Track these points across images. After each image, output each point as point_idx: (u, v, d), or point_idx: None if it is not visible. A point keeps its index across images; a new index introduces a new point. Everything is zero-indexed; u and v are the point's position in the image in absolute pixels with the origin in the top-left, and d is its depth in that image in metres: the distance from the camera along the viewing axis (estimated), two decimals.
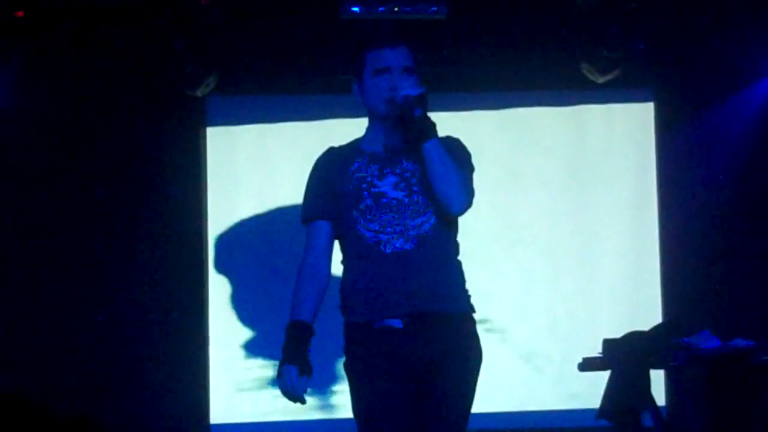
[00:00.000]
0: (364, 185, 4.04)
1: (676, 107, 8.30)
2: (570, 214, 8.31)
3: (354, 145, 4.17)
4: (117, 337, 8.08)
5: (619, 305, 8.15)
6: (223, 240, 8.30)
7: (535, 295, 8.22)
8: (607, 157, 8.36)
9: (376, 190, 4.04)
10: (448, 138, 4.15)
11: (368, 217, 4.02)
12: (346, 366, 4.11)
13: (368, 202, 4.03)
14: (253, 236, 8.29)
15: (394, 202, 4.02)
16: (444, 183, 3.96)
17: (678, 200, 8.23)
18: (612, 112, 8.40)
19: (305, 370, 4.03)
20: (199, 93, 8.03)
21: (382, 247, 4.00)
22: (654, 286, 8.25)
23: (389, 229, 4.00)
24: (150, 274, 8.15)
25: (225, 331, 8.24)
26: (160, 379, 8.07)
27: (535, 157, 8.31)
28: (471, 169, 4.13)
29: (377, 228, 4.01)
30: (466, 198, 4.02)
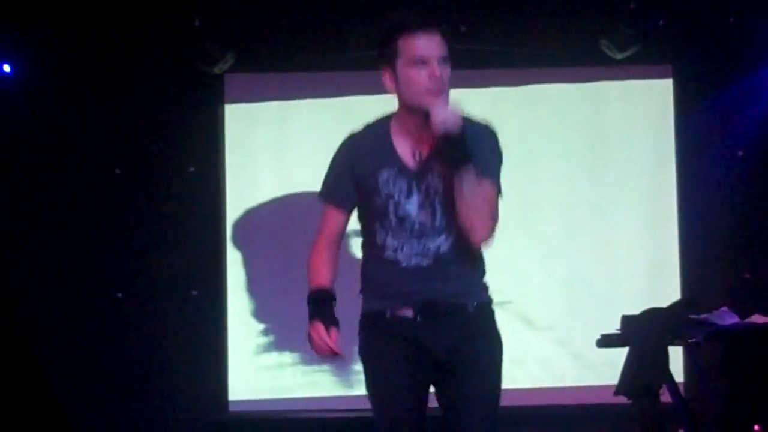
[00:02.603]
0: (391, 203, 4.03)
1: (695, 83, 8.27)
2: (588, 190, 8.30)
3: (384, 140, 4.09)
4: (135, 314, 8.11)
5: (638, 282, 8.16)
6: (241, 217, 8.31)
7: (553, 272, 8.22)
8: (626, 134, 8.34)
9: (402, 211, 4.02)
10: (482, 128, 4.11)
11: (390, 234, 4.04)
12: (360, 350, 4.18)
13: (392, 222, 4.03)
14: (271, 213, 8.29)
15: (417, 225, 4.02)
16: (470, 215, 3.94)
17: (697, 176, 8.21)
18: (631, 88, 8.38)
19: (332, 321, 4.07)
20: (217, 70, 8.04)
21: (399, 263, 4.03)
22: (672, 262, 8.24)
23: (407, 249, 4.02)
24: (168, 252, 8.17)
25: (243, 307, 8.26)
26: (179, 356, 8.10)
27: (554, 134, 8.30)
28: (498, 172, 4.09)
29: (396, 245, 4.03)
30: (490, 230, 4.01)
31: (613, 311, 6.46)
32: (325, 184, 4.21)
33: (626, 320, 6.26)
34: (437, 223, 4.02)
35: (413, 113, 4.00)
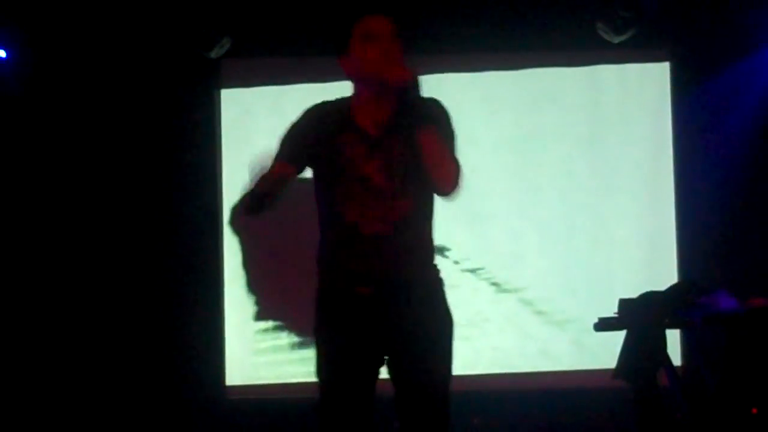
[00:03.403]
0: (350, 167, 4.11)
1: (692, 66, 8.26)
2: (586, 174, 8.29)
3: (345, 111, 4.21)
4: (131, 301, 8.09)
5: (635, 265, 8.15)
6: (238, 203, 8.30)
7: (550, 255, 8.20)
8: (623, 117, 8.34)
9: (362, 174, 4.09)
10: (432, 102, 4.19)
11: (350, 199, 4.10)
12: (315, 331, 4.21)
13: (352, 186, 4.10)
14: None
15: (377, 187, 4.08)
16: (439, 169, 4.05)
17: (694, 159, 8.21)
18: (627, 72, 8.37)
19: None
20: (213, 55, 8.01)
21: (360, 229, 4.08)
22: (670, 245, 8.24)
23: (369, 213, 4.07)
24: (164, 239, 8.15)
25: (240, 294, 8.25)
26: (175, 342, 8.09)
27: (551, 118, 8.27)
28: (455, 137, 4.18)
29: (357, 212, 4.08)
30: (458, 181, 4.08)
31: (611, 295, 6.46)
32: (282, 141, 4.42)
33: (624, 304, 6.27)
34: (398, 185, 4.08)
35: (370, 87, 4.14)
